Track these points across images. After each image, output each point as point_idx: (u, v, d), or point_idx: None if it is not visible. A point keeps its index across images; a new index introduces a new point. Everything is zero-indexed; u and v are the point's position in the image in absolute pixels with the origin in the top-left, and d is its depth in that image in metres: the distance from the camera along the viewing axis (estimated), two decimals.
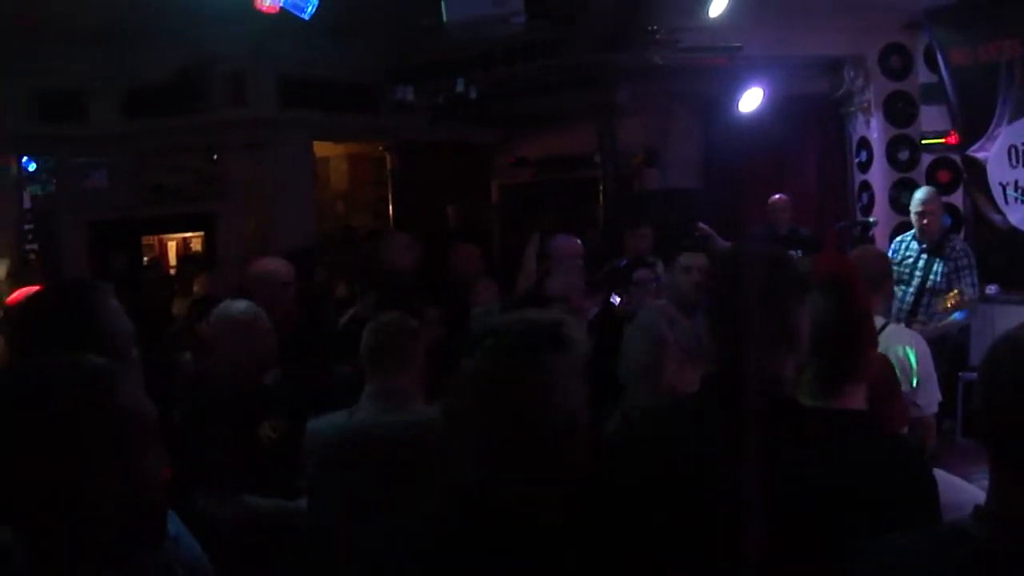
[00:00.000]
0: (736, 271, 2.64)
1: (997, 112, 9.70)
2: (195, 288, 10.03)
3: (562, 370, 2.30)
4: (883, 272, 5.55)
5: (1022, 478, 1.93)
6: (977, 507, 2.00)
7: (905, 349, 5.12)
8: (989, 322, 8.90)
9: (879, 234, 10.84)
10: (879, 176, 11.10)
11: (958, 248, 8.20)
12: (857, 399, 2.87)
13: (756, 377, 2.50)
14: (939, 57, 10.17)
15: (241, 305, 5.07)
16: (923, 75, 10.69)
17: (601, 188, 14.14)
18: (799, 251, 9.34)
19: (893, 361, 5.07)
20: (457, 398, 2.37)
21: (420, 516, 2.42)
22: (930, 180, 10.62)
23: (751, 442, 2.37)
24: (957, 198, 10.55)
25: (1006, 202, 9.52)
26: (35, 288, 3.76)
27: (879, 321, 5.27)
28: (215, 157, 13.26)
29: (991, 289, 9.52)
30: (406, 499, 2.76)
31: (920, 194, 8.40)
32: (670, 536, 2.46)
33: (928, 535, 2.13)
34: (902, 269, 8.17)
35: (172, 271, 12.74)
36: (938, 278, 8.04)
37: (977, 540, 1.93)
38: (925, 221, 8.18)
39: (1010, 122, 9.65)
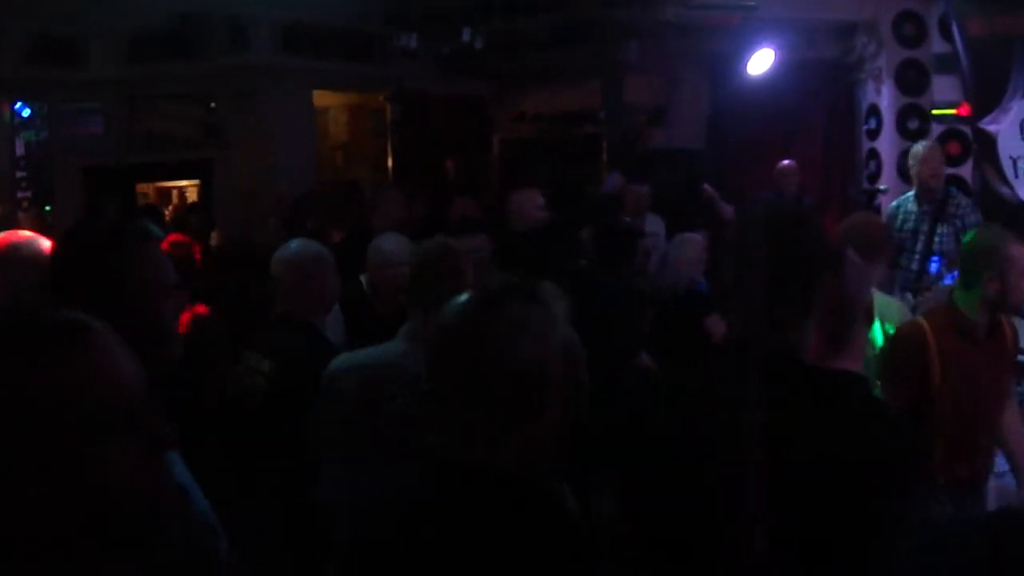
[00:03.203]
0: (759, 233, 2.55)
1: (1011, 85, 9.64)
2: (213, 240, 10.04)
3: (534, 320, 2.22)
4: (879, 239, 5.40)
5: None
6: None
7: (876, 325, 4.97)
8: None
9: (885, 203, 10.72)
10: (887, 144, 10.92)
11: (963, 205, 8.01)
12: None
13: (767, 342, 2.40)
14: (954, 27, 9.99)
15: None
16: (937, 44, 10.49)
17: (604, 146, 13.96)
18: None
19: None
20: (429, 351, 2.32)
21: (397, 480, 2.42)
22: None
23: (757, 408, 2.28)
24: (966, 170, 10.40)
25: (1016, 175, 9.44)
26: (21, 231, 3.59)
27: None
28: (212, 105, 13.13)
29: None
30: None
31: (919, 147, 8.19)
32: (673, 497, 2.43)
33: (988, 520, 2.04)
34: (903, 235, 7.96)
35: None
36: (943, 240, 7.82)
37: None
38: (926, 175, 7.94)
39: None
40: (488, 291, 2.33)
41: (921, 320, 4.61)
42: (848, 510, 2.27)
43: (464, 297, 2.31)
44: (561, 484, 2.66)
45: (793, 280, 2.45)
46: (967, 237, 4.55)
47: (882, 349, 4.78)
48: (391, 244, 5.73)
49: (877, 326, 4.94)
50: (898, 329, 4.75)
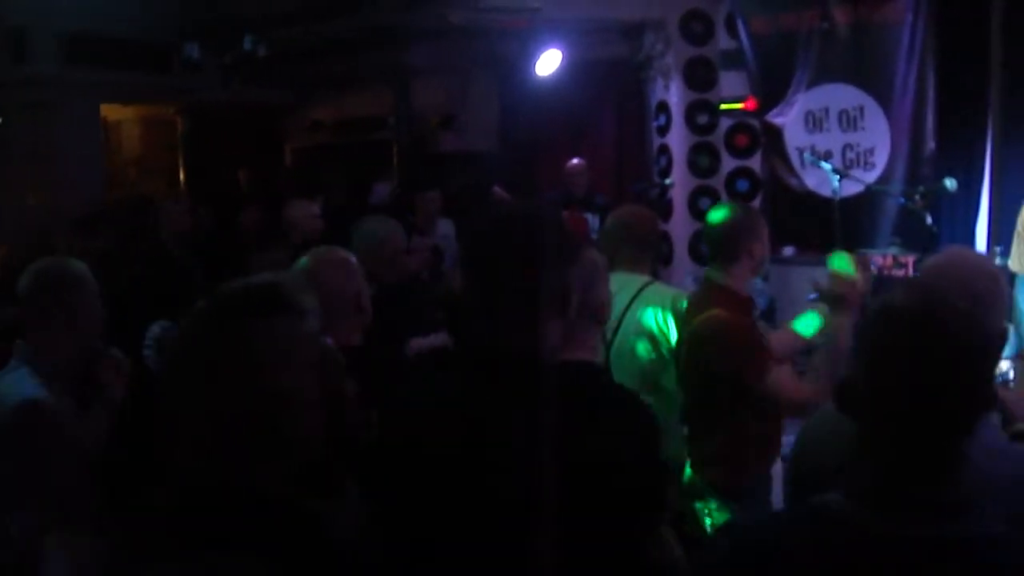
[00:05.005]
0: (494, 234, 2.52)
1: (795, 79, 9.97)
2: None
3: (279, 335, 2.10)
4: (648, 232, 5.55)
5: (902, 453, 1.90)
6: (849, 485, 1.94)
7: (657, 312, 5.05)
8: (786, 284, 9.10)
9: (677, 197, 11.00)
10: (677, 140, 11.18)
11: None
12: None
13: (515, 344, 2.41)
14: (740, 24, 10.35)
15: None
16: (723, 41, 10.82)
17: (395, 151, 13.95)
18: (596, 216, 9.45)
19: (632, 326, 5.09)
20: (168, 365, 2.21)
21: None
22: (728, 144, 10.87)
23: (508, 411, 2.31)
24: (755, 162, 10.81)
25: (802, 166, 9.73)
26: None
27: (642, 280, 5.27)
28: None
29: (788, 251, 9.77)
30: None
31: None
32: (429, 509, 2.37)
33: (793, 513, 2.09)
34: None
35: None
36: None
37: (851, 521, 1.88)
38: None
39: (807, 89, 9.93)
40: (225, 301, 2.16)
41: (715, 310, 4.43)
42: (600, 496, 2.29)
43: (199, 309, 2.14)
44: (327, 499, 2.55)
45: (528, 281, 2.42)
46: (719, 217, 4.58)
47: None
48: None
49: (661, 314, 5.07)
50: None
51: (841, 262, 4.40)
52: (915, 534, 1.85)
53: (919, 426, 1.90)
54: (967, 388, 1.91)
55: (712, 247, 4.58)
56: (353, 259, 4.24)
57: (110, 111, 13.63)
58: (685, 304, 4.79)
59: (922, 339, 1.91)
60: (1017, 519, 2.20)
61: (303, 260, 4.19)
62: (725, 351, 4.21)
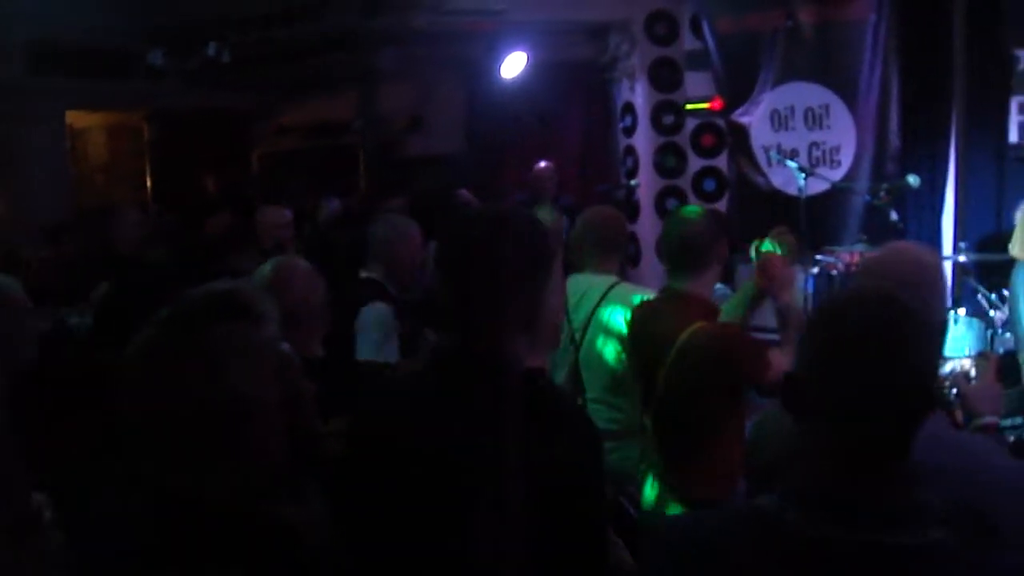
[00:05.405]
0: (466, 241, 2.51)
1: (760, 78, 9.98)
2: None
3: (241, 340, 2.09)
4: (615, 233, 5.60)
5: (845, 455, 1.88)
6: (783, 487, 1.93)
7: (624, 313, 5.00)
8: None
9: (644, 197, 11.01)
10: (643, 140, 11.17)
11: None
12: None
13: (483, 353, 2.41)
14: (705, 24, 10.34)
15: None
16: (688, 42, 10.82)
17: (362, 155, 13.93)
18: (564, 218, 9.44)
19: (600, 328, 5.08)
20: (127, 372, 2.11)
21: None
22: (694, 144, 10.86)
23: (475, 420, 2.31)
24: (721, 161, 10.80)
25: (769, 164, 9.74)
26: None
27: (609, 281, 5.27)
28: None
29: None
30: None
31: None
32: (396, 515, 2.37)
33: (725, 514, 2.08)
34: None
35: None
36: None
37: (785, 522, 1.87)
38: None
39: (773, 88, 9.94)
40: (185, 307, 2.14)
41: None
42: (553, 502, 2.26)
43: (159, 316, 2.12)
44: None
45: (498, 287, 2.42)
46: (687, 224, 4.53)
47: None
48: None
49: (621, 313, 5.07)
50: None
51: (767, 245, 4.40)
52: (852, 538, 1.82)
53: (861, 427, 1.89)
54: (912, 387, 1.90)
55: (680, 255, 4.44)
56: (312, 268, 4.25)
57: (77, 118, 13.52)
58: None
59: (867, 337, 1.90)
60: (964, 510, 2.22)
61: (265, 267, 4.19)
62: (736, 362, 4.07)
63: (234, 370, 2.06)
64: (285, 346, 2.29)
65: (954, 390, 3.31)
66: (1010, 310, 6.87)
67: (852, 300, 2.02)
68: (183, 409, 2.02)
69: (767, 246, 4.39)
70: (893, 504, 1.85)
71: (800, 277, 7.84)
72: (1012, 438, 5.94)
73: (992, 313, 7.47)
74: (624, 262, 7.60)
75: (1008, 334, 7.27)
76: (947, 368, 5.04)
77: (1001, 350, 6.95)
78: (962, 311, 7.47)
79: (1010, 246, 6.89)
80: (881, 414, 1.88)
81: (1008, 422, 5.93)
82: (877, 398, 1.87)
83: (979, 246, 8.28)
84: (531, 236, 2.50)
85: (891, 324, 1.91)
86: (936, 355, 2.02)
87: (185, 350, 2.05)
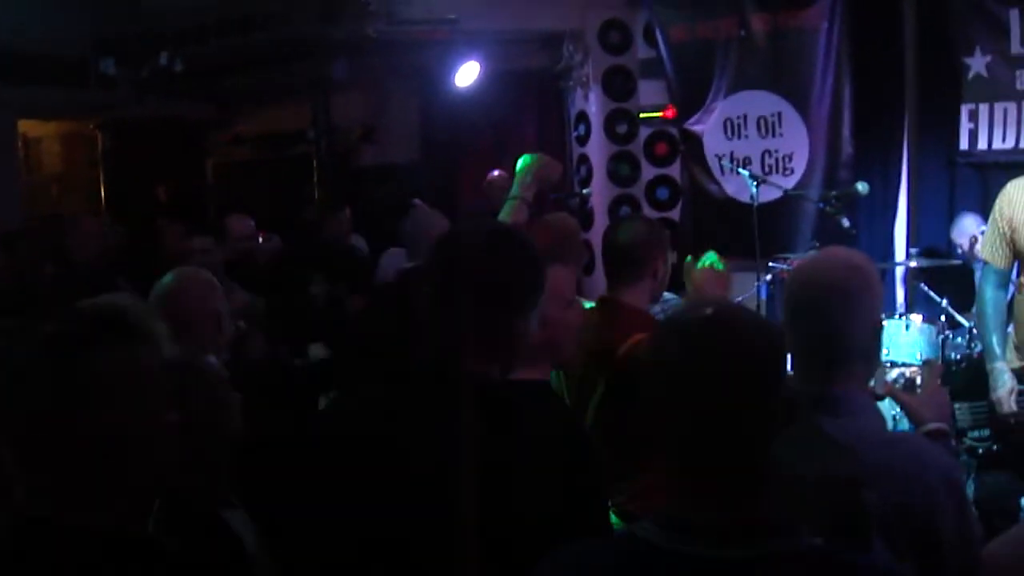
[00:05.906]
0: (456, 256, 2.49)
1: (713, 87, 9.99)
2: None
3: (120, 365, 1.99)
4: (570, 240, 5.56)
5: (710, 481, 1.86)
6: (657, 513, 1.89)
7: None
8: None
9: (597, 206, 11.00)
10: (597, 149, 11.18)
11: None
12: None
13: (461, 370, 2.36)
14: (658, 33, 10.34)
15: None
16: (642, 50, 10.85)
17: (316, 164, 13.86)
18: None
19: None
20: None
21: None
22: (648, 153, 10.89)
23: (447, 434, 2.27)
24: (675, 170, 10.84)
25: (722, 172, 9.78)
26: None
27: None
28: None
29: None
30: None
31: None
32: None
33: (611, 543, 2.08)
34: None
35: None
36: None
37: (662, 549, 1.83)
38: None
39: (726, 96, 9.95)
40: (61, 329, 2.03)
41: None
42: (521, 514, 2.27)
43: (39, 340, 2.00)
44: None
45: (482, 303, 2.40)
46: (625, 233, 4.51)
47: None
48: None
49: None
50: None
51: (711, 257, 4.39)
52: (716, 555, 1.79)
53: (709, 447, 1.86)
54: (756, 405, 1.86)
55: (615, 264, 4.42)
56: (214, 279, 4.26)
57: (30, 127, 13.44)
58: None
59: (706, 356, 1.87)
60: (904, 508, 2.27)
61: (165, 279, 4.19)
62: None
63: (111, 398, 1.96)
64: (212, 360, 2.24)
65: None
66: (978, 317, 6.68)
67: (694, 319, 1.97)
68: (57, 438, 1.93)
69: (711, 258, 4.36)
70: (753, 519, 1.83)
71: (753, 284, 7.84)
72: (980, 451, 5.92)
73: (942, 318, 7.47)
74: (579, 271, 7.59)
75: (960, 339, 7.27)
76: (892, 375, 5.04)
77: (955, 355, 6.92)
78: (915, 317, 7.47)
79: (979, 248, 6.83)
80: (727, 437, 1.85)
81: (976, 434, 5.90)
82: (722, 421, 1.84)
83: (931, 252, 8.29)
84: (521, 256, 2.50)
85: (736, 346, 1.88)
86: (782, 372, 1.98)
87: (56, 378, 1.94)
